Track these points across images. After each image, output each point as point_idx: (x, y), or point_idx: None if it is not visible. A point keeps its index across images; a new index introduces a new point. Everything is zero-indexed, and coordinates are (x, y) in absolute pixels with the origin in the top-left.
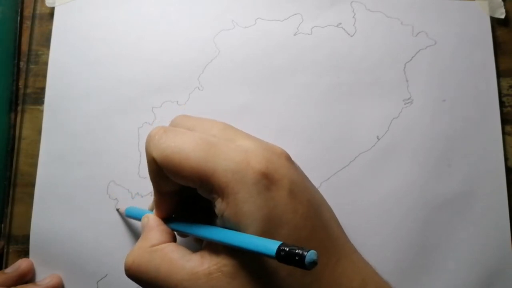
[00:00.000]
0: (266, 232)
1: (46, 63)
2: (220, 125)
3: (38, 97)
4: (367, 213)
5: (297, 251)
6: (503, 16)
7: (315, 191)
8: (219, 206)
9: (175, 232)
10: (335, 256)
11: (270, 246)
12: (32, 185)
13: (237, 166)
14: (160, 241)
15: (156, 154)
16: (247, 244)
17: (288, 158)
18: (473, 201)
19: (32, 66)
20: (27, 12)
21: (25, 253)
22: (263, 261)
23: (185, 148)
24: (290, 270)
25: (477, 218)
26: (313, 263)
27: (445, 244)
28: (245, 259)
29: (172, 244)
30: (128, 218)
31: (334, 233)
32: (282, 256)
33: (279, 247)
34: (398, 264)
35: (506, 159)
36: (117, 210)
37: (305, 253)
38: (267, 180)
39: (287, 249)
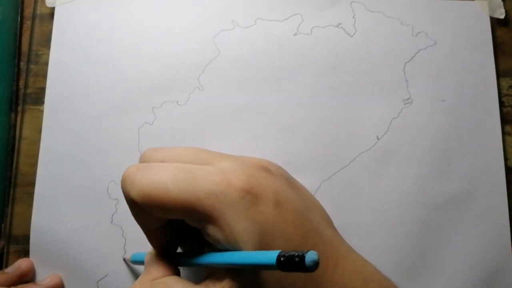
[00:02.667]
0: (264, 246)
1: (46, 63)
2: (192, 151)
3: (38, 97)
4: (366, 213)
5: (296, 253)
6: (502, 16)
7: (302, 196)
8: (212, 232)
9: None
10: (332, 258)
11: (269, 256)
12: (32, 185)
13: (218, 187)
14: (162, 275)
15: (134, 194)
16: (246, 260)
17: (267, 169)
18: (473, 201)
19: (32, 66)
20: (27, 12)
21: (25, 253)
22: (265, 278)
23: (163, 181)
24: (292, 281)
25: (477, 218)
26: (314, 263)
27: (445, 244)
28: (247, 280)
29: (175, 277)
30: (135, 264)
31: (328, 236)
32: (282, 262)
33: (278, 254)
34: (398, 264)
35: (506, 159)
36: (124, 259)
37: (305, 254)
38: (251, 195)
39: (287, 255)
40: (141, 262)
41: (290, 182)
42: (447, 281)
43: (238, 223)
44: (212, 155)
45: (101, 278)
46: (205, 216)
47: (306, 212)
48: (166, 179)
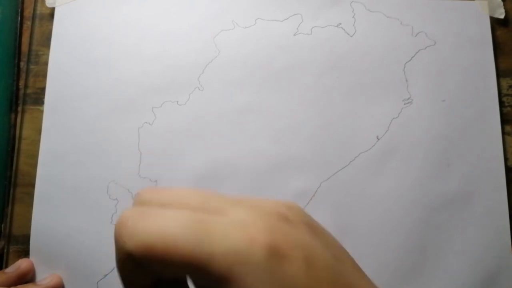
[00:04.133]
0: None
1: (46, 63)
2: (200, 195)
3: (38, 97)
4: (367, 213)
5: None
6: (502, 16)
7: (327, 243)
8: None
9: None
10: None
11: None
12: (32, 185)
13: (239, 244)
14: None
15: (132, 245)
16: None
17: (287, 219)
18: (473, 201)
19: (32, 66)
20: (27, 12)
21: (25, 253)
22: None
23: (171, 232)
24: None
25: (477, 218)
26: None
27: (445, 244)
28: None
29: None
30: None
31: (362, 285)
32: None
33: None
34: (398, 264)
35: (506, 159)
36: None
37: None
38: (277, 255)
39: None
40: None
41: (311, 228)
42: (447, 281)
43: None
44: (223, 201)
45: (101, 278)
46: (218, 277)
47: (337, 264)
48: (173, 230)
